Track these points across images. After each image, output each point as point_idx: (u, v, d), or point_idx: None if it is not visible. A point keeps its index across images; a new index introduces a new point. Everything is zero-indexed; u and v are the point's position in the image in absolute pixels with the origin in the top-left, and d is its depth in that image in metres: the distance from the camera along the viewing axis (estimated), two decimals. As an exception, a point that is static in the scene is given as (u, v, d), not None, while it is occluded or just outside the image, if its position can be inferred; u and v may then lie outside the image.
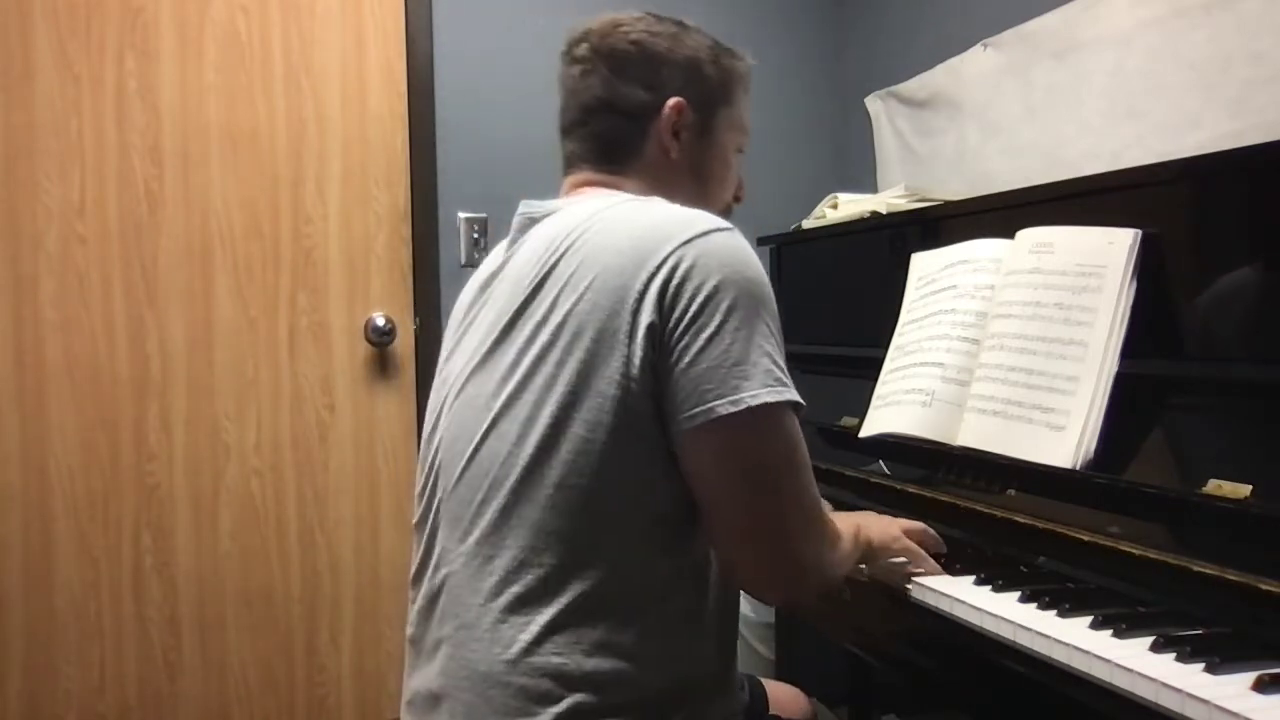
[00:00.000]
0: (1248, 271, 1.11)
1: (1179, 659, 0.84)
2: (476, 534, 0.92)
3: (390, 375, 2.23)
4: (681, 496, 0.91)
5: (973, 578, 1.11)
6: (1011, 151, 1.96)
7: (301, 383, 2.16)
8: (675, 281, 0.88)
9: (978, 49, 2.04)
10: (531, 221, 1.03)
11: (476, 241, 2.27)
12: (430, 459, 1.03)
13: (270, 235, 2.12)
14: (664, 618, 0.92)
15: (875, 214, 1.84)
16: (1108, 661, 0.86)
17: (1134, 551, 1.03)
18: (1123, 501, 1.09)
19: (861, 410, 1.49)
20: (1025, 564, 1.16)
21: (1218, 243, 1.17)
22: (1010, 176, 1.90)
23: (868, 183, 2.40)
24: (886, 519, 1.17)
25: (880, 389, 1.47)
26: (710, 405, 0.86)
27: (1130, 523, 1.06)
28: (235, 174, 2.10)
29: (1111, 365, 1.14)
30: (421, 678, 0.98)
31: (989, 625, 1.01)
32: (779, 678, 1.62)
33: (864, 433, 1.46)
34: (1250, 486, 0.96)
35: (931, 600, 1.10)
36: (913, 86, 2.27)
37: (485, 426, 0.93)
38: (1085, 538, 1.10)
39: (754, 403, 0.86)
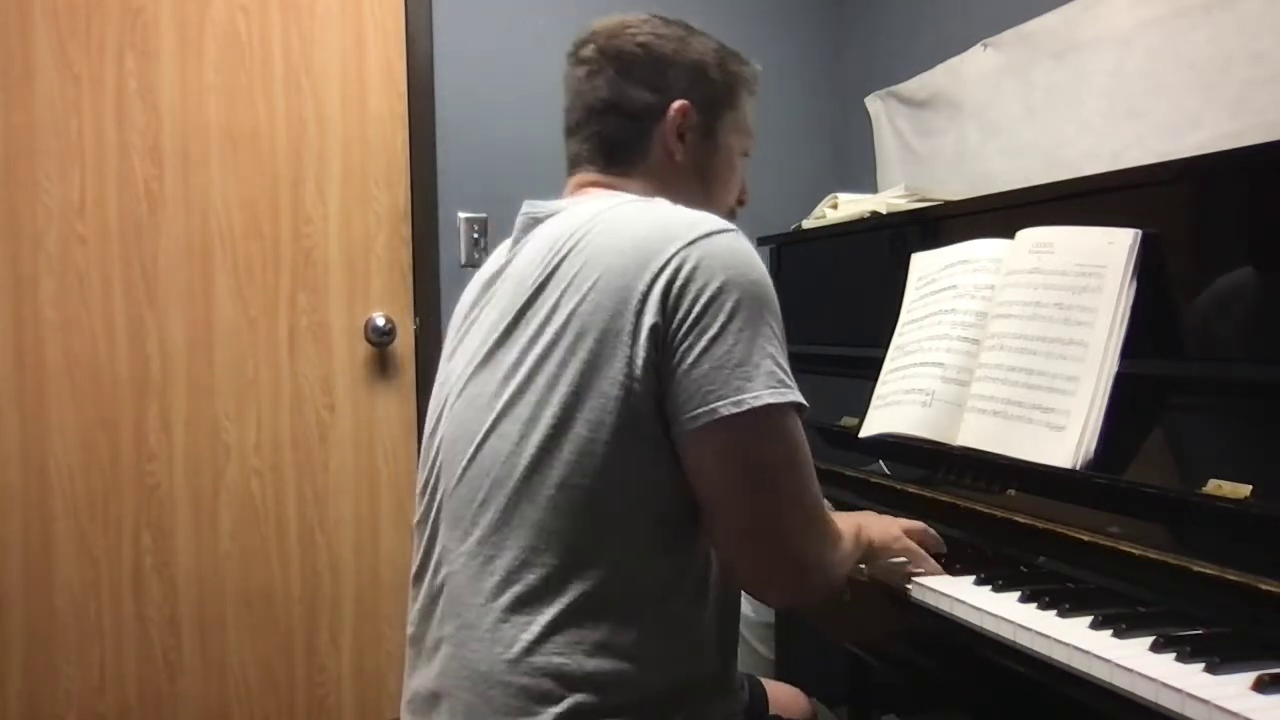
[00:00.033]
0: (1248, 271, 1.11)
1: (1179, 659, 0.84)
2: (478, 533, 0.92)
3: (390, 375, 2.23)
4: (684, 497, 0.91)
5: (973, 578, 1.11)
6: (1011, 151, 1.96)
7: (301, 383, 2.16)
8: (679, 282, 0.88)
9: (978, 49, 2.04)
10: (535, 221, 1.03)
11: (476, 241, 2.27)
12: (431, 458, 1.03)
13: (270, 235, 2.12)
14: (665, 618, 0.92)
15: (875, 214, 1.84)
16: (1108, 661, 0.86)
17: (1134, 551, 1.03)
18: (1123, 501, 1.09)
19: (861, 410, 1.49)
20: (1025, 564, 1.16)
21: (1218, 243, 1.17)
22: (1010, 176, 1.90)
23: (868, 183, 2.40)
24: (886, 519, 1.17)
25: (880, 389, 1.47)
26: (713, 406, 0.86)
27: (1130, 523, 1.06)
28: (235, 174, 2.10)
29: (1111, 365, 1.14)
30: (422, 677, 0.98)
31: (989, 625, 1.01)
32: (779, 678, 1.61)
33: (864, 433, 1.46)
34: (1250, 486, 0.96)
35: (931, 600, 1.10)
36: (913, 86, 2.27)
37: (487, 426, 0.94)
38: (1085, 538, 1.10)
39: (756, 404, 0.86)
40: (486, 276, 1.06)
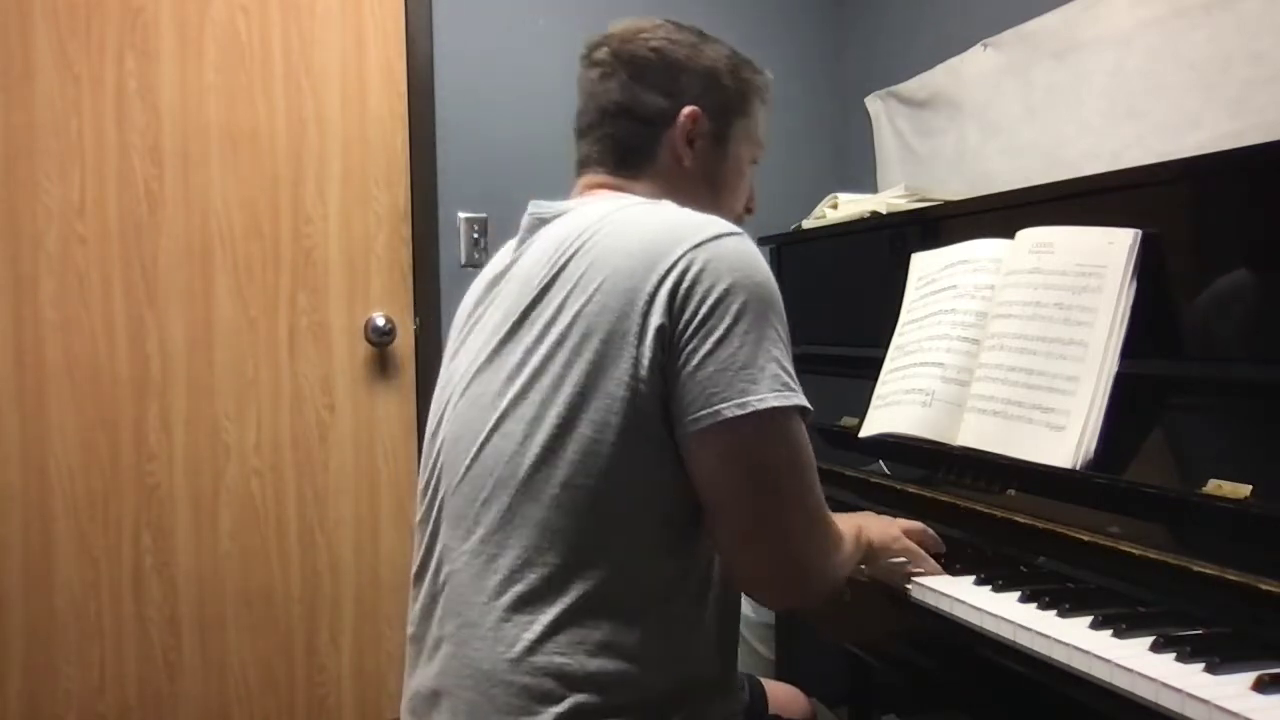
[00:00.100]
0: (1248, 271, 1.11)
1: (1179, 659, 0.84)
2: (480, 532, 0.93)
3: (390, 375, 2.23)
4: (687, 498, 0.91)
5: (973, 578, 1.11)
6: (1011, 151, 1.96)
7: (301, 383, 2.16)
8: (686, 284, 0.88)
9: (978, 49, 2.04)
10: (541, 222, 1.03)
11: (476, 241, 2.27)
12: (433, 457, 1.03)
13: (270, 235, 2.12)
14: (667, 619, 0.92)
15: (875, 214, 1.85)
16: (1108, 661, 0.86)
17: (1134, 551, 1.03)
18: (1123, 501, 1.09)
19: (861, 410, 1.49)
20: (1025, 564, 1.16)
21: (1218, 243, 1.17)
22: (1010, 176, 1.90)
23: (868, 183, 2.40)
24: (886, 519, 1.17)
25: (880, 389, 1.47)
26: (717, 408, 0.86)
27: (1130, 523, 1.07)
28: (235, 174, 2.10)
29: (1111, 365, 1.14)
30: (422, 676, 0.98)
31: (989, 625, 1.01)
32: (779, 678, 1.62)
33: (864, 433, 1.46)
34: (1250, 486, 0.96)
35: (931, 600, 1.10)
36: (913, 86, 2.27)
37: (490, 425, 0.94)
38: (1085, 538, 1.10)
39: (761, 406, 0.86)
40: (491, 276, 1.06)
